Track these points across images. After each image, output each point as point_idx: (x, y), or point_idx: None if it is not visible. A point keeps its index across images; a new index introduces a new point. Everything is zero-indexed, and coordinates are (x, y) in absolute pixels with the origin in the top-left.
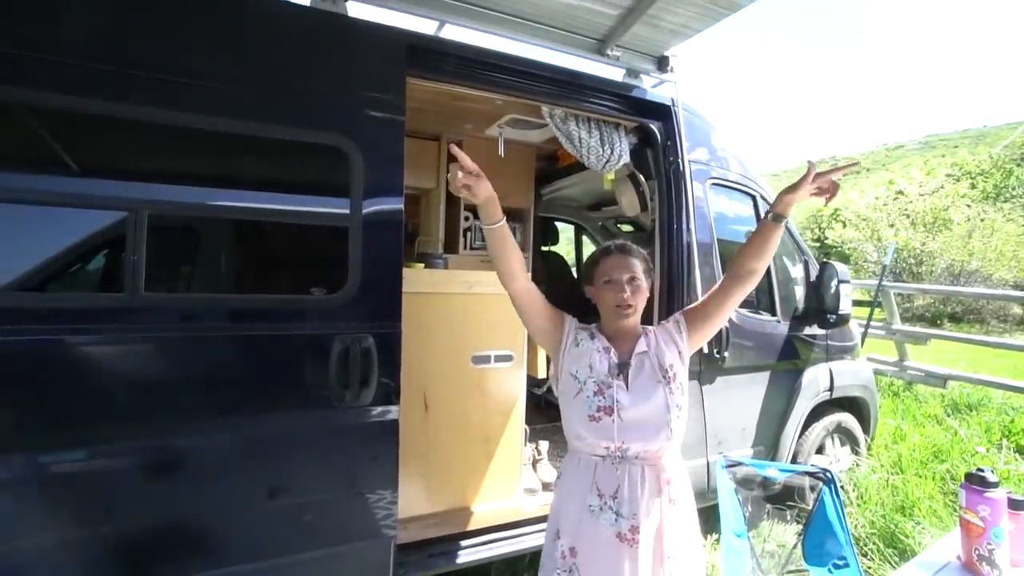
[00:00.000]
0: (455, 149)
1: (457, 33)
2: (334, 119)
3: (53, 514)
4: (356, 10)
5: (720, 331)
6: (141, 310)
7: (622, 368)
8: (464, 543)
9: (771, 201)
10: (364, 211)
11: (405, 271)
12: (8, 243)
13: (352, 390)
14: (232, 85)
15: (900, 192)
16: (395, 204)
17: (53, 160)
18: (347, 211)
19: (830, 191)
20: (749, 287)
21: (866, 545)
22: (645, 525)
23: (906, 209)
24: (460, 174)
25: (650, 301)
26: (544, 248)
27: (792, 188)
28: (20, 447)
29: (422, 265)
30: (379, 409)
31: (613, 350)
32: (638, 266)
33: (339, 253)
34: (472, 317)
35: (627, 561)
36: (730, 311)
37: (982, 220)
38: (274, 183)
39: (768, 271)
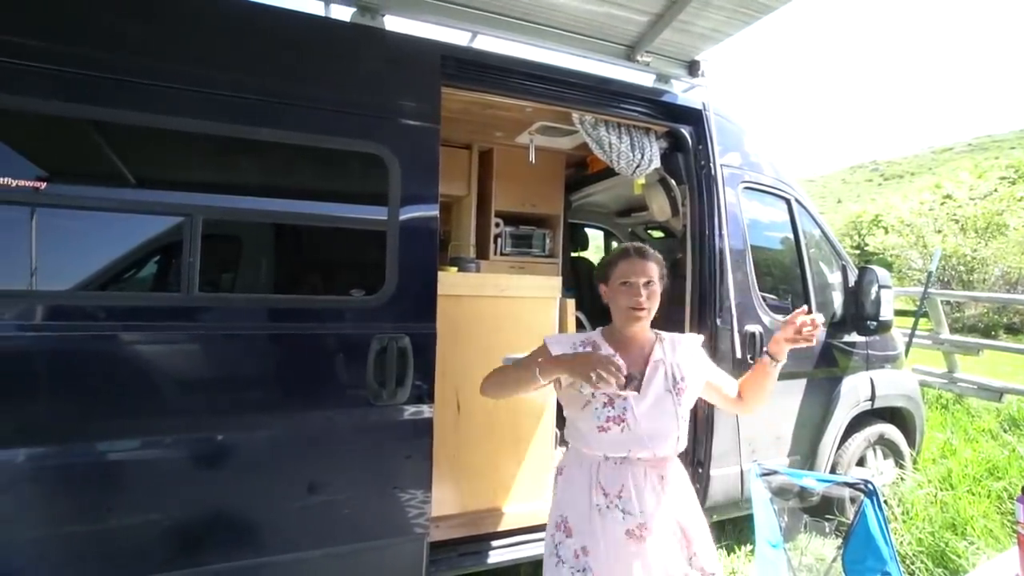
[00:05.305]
0: None
1: (490, 43)
2: (373, 128)
3: (113, 496)
4: (393, 23)
5: (755, 335)
6: (195, 309)
7: (630, 380)
8: (494, 543)
9: (807, 205)
10: (401, 216)
11: (439, 274)
12: (76, 249)
13: (388, 388)
14: (281, 99)
15: (948, 196)
16: (431, 209)
17: (116, 172)
18: (385, 216)
19: (806, 338)
20: (737, 411)
21: (913, 563)
22: (653, 522)
23: (955, 214)
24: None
25: (681, 306)
26: (574, 254)
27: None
28: (84, 432)
29: (455, 269)
30: (414, 408)
31: (619, 357)
32: (655, 271)
33: (377, 256)
34: (503, 320)
35: (638, 557)
36: (715, 403)
37: None
38: (317, 190)
39: (803, 274)
